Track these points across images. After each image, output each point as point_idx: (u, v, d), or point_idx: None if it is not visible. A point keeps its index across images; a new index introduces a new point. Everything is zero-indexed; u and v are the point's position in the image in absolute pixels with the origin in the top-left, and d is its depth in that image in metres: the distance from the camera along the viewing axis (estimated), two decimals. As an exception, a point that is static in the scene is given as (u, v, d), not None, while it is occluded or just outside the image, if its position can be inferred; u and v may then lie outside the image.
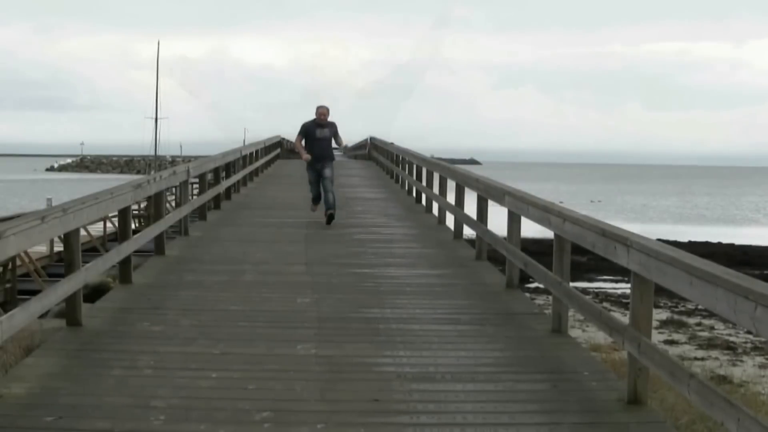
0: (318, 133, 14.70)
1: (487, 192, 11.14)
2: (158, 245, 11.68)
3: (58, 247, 21.28)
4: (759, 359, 16.19)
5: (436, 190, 16.11)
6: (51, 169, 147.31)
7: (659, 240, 7.60)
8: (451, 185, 14.27)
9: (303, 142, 14.77)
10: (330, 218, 14.53)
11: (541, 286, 10.68)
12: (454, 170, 14.21)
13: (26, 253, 19.76)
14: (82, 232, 10.86)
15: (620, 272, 23.84)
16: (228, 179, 18.80)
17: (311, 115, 14.69)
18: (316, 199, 15.17)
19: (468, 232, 13.32)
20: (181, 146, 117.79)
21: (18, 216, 11.51)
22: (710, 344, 17.59)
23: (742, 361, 16.10)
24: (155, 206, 12.83)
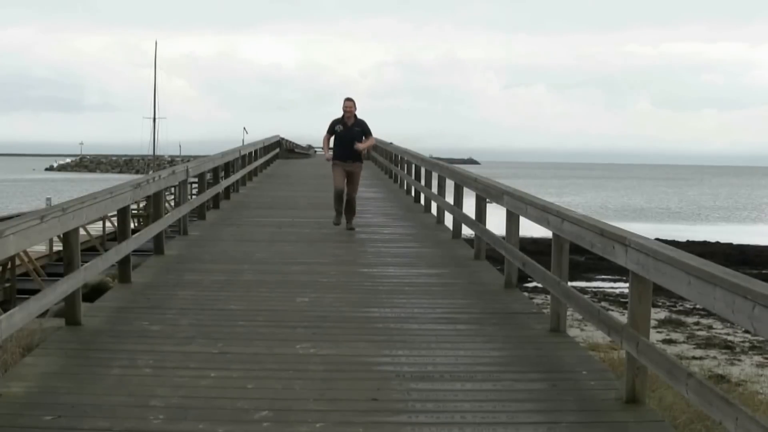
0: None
1: (486, 191, 11.15)
2: (157, 245, 11.69)
3: (58, 247, 21.29)
4: (757, 358, 16.21)
5: (434, 189, 16.12)
6: (50, 168, 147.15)
7: (657, 239, 7.61)
8: (449, 185, 14.29)
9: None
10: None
11: (539, 285, 10.68)
12: (453, 170, 14.23)
13: (25, 252, 19.75)
14: (82, 232, 10.87)
15: (619, 272, 23.86)
16: (227, 179, 18.82)
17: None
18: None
19: (467, 231, 13.34)
20: (180, 146, 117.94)
21: (17, 215, 11.51)
22: (708, 343, 17.61)
23: (740, 360, 16.12)
24: (154, 206, 12.82)
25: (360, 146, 13.98)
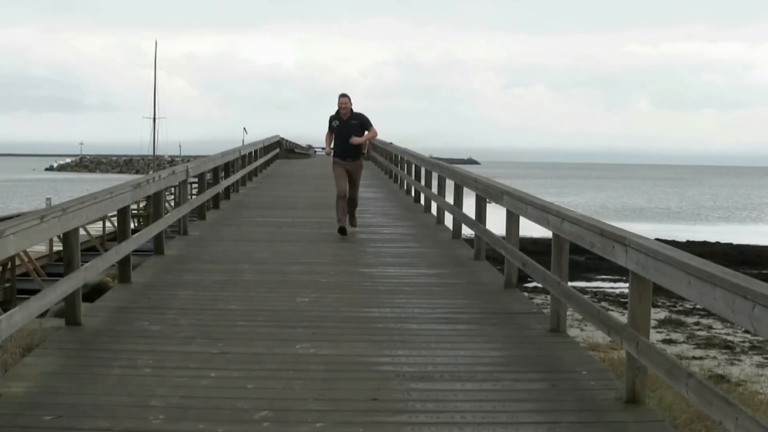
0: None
1: (486, 191, 11.15)
2: (157, 245, 11.68)
3: (58, 247, 21.29)
4: (757, 358, 16.21)
5: (434, 189, 16.13)
6: (50, 168, 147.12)
7: (657, 239, 7.61)
8: (450, 185, 14.29)
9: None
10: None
11: (539, 285, 10.68)
12: (453, 170, 14.23)
13: (26, 252, 19.76)
14: (82, 232, 10.87)
15: (619, 272, 23.86)
16: (227, 179, 18.82)
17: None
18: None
19: (467, 231, 13.33)
20: (180, 146, 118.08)
21: (17, 215, 11.51)
22: (708, 343, 17.61)
23: (740, 360, 16.12)
24: (154, 206, 12.82)
25: (356, 140, 13.74)
